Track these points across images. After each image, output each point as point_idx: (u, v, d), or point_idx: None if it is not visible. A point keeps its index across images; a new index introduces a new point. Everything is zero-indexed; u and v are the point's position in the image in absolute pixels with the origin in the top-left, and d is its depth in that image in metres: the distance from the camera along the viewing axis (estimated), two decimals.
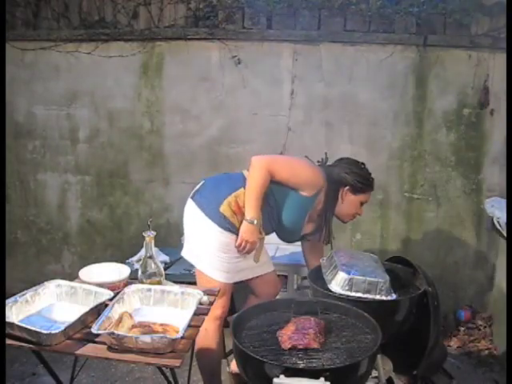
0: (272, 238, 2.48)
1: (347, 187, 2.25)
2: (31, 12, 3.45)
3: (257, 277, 2.36)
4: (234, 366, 2.36)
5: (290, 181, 2.18)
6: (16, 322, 1.59)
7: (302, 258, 2.69)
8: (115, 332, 1.53)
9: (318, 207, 2.27)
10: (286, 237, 2.38)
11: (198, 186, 2.31)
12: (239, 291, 2.53)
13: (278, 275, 3.00)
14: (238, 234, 2.17)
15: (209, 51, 3.29)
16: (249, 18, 3.24)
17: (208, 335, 2.25)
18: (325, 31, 3.18)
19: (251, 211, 2.13)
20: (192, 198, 2.27)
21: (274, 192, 2.20)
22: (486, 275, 3.30)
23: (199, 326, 1.74)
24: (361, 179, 2.25)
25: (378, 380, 2.20)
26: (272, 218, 2.24)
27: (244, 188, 2.18)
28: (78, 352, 1.56)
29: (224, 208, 2.16)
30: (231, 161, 3.35)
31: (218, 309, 2.21)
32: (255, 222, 2.12)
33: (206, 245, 2.21)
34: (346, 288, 2.09)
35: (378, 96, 3.22)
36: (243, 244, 2.15)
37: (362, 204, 2.31)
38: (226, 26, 3.27)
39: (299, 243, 2.55)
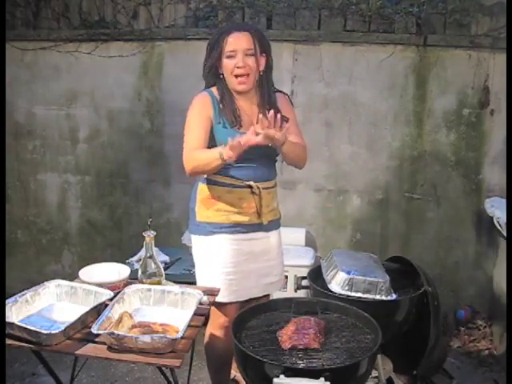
0: None
1: (213, 70, 2.14)
2: (31, 12, 3.45)
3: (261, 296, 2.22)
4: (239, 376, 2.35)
5: (201, 134, 2.04)
6: (16, 322, 1.59)
7: (302, 258, 2.67)
8: (115, 332, 1.53)
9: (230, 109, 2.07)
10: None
11: None
12: None
13: None
14: (216, 233, 2.10)
15: None
16: (249, 18, 3.24)
17: (214, 338, 2.19)
18: (325, 31, 3.18)
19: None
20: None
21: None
22: (485, 275, 3.29)
23: (199, 326, 1.74)
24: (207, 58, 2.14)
25: (378, 380, 2.20)
26: None
27: (201, 182, 2.13)
28: (78, 352, 1.56)
29: (197, 212, 2.12)
30: None
31: (220, 317, 2.15)
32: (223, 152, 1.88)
33: (203, 263, 2.16)
34: (346, 288, 2.09)
35: (378, 96, 3.22)
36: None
37: (232, 55, 2.03)
38: None
39: (298, 242, 2.54)
